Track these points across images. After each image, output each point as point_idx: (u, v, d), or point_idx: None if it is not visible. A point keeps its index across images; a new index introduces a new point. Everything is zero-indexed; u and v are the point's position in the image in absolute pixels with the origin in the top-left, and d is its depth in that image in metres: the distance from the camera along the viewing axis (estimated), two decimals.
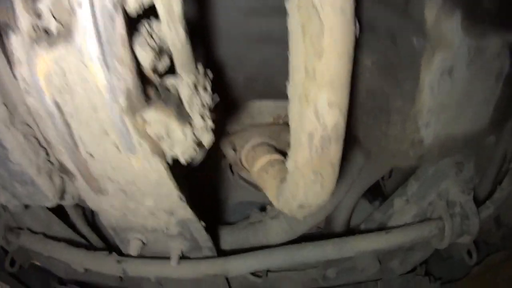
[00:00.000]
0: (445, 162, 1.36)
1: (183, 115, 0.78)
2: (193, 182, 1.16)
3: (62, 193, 1.17)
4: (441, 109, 0.92)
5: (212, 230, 1.37)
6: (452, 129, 0.99)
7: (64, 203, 1.20)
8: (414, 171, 1.44)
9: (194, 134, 0.79)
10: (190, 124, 0.79)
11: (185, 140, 0.79)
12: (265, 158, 1.24)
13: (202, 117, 0.80)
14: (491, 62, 0.91)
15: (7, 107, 0.91)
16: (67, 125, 0.79)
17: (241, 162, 1.43)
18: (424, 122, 0.93)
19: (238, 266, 1.25)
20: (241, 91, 1.10)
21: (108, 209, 1.05)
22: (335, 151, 0.81)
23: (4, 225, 1.50)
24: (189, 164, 1.26)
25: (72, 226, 1.60)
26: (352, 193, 1.40)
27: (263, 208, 1.45)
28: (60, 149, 0.88)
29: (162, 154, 0.83)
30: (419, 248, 1.57)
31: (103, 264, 1.33)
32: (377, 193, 1.73)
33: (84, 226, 1.53)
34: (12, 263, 1.78)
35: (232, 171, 1.64)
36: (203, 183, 1.66)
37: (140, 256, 1.33)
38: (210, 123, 0.82)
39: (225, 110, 1.36)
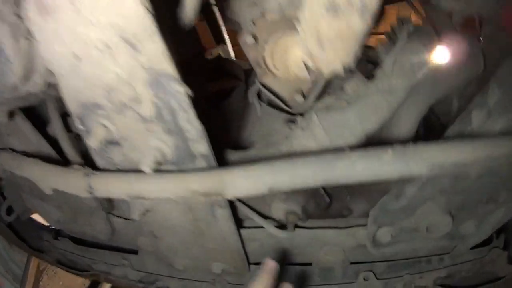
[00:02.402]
0: None
1: None
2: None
3: (29, 64, 0.85)
4: None
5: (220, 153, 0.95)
6: None
7: (32, 87, 0.89)
8: None
9: None
10: None
11: None
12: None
13: None
14: None
15: None
16: None
17: (264, 61, 1.02)
18: None
19: (242, 180, 0.80)
20: None
21: (58, 50, 0.69)
22: None
23: None
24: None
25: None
26: (421, 95, 0.91)
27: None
28: None
29: None
30: (503, 200, 1.02)
31: (69, 180, 0.96)
32: None
33: (64, 140, 1.18)
34: (9, 212, 1.52)
35: (260, 98, 1.22)
36: (223, 115, 1.26)
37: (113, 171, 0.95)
38: None
39: None
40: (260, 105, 1.22)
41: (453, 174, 0.94)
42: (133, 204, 1.08)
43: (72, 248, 1.49)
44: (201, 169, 0.87)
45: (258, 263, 1.22)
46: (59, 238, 1.52)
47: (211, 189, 0.83)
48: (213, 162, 0.89)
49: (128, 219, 1.28)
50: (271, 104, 1.22)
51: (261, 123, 1.25)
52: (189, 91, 0.79)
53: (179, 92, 0.78)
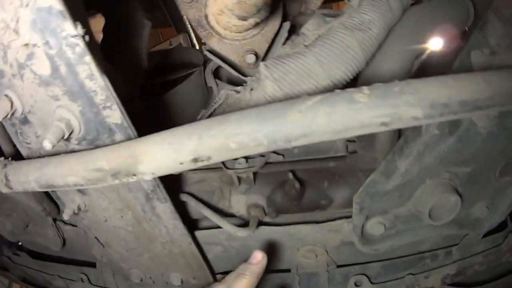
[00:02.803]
0: None
1: None
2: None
3: None
4: None
5: None
6: None
7: None
8: None
9: None
10: None
11: None
12: None
13: None
14: None
15: None
16: None
17: (207, 20, 0.71)
18: None
19: (157, 150, 0.49)
20: None
21: None
22: None
23: None
24: None
25: None
26: (405, 38, 0.60)
27: None
28: None
29: None
30: None
31: None
32: None
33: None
34: None
35: (219, 78, 0.92)
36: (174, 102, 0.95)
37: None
38: None
39: None
40: (217, 84, 0.91)
41: (458, 135, 0.61)
42: (65, 202, 0.77)
43: (31, 263, 1.16)
44: (112, 144, 0.56)
45: (225, 272, 0.87)
46: (18, 253, 1.20)
47: (120, 166, 0.51)
48: (131, 134, 0.58)
49: (76, 226, 0.97)
50: (230, 82, 0.91)
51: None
52: (83, 32, 0.50)
53: (72, 36, 0.50)
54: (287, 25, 0.76)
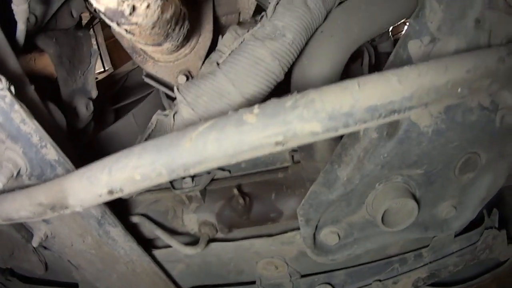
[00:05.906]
0: None
1: None
2: None
3: None
4: None
5: None
6: None
7: None
8: None
9: None
10: None
11: None
12: None
13: None
14: None
15: None
16: None
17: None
18: None
19: (79, 183, 0.45)
20: None
21: None
22: None
23: None
24: None
25: None
26: (334, 36, 0.50)
27: None
28: None
29: None
30: (485, 163, 0.58)
31: None
32: None
33: None
34: None
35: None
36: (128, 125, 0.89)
37: None
38: None
39: None
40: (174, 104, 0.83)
41: (398, 137, 0.51)
42: (34, 230, 0.75)
43: (22, 287, 1.12)
44: (50, 180, 0.52)
45: None
46: (10, 278, 1.16)
47: (54, 200, 0.49)
48: (69, 168, 0.57)
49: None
50: None
51: None
52: (7, 85, 0.51)
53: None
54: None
